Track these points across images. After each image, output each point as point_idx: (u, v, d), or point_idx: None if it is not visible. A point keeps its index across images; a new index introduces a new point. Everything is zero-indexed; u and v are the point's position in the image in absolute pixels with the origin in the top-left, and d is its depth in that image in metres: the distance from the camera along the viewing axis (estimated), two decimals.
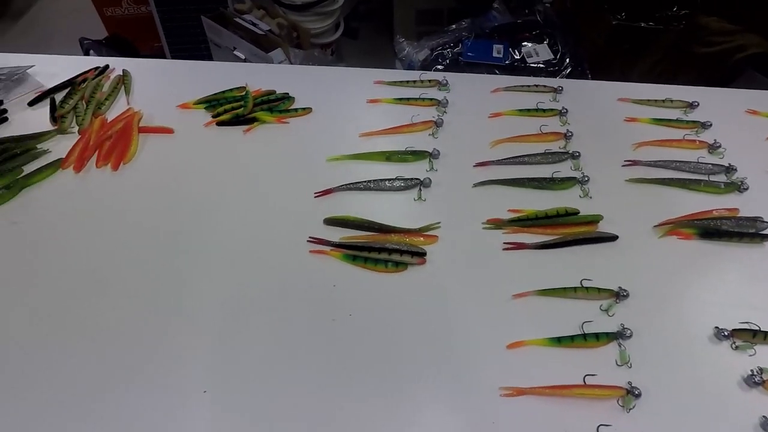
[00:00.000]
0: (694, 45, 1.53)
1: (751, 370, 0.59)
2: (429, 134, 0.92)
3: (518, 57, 1.72)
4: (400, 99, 0.99)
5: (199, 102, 0.98)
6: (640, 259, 0.72)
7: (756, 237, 0.74)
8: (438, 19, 2.22)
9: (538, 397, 0.58)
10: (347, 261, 0.71)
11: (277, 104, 0.98)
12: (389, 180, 0.82)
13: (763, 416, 0.56)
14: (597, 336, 0.62)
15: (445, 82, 1.02)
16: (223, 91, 1.01)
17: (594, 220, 0.76)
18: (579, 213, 0.77)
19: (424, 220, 0.76)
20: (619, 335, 0.62)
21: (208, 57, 1.91)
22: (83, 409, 0.57)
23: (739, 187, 0.81)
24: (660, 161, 0.86)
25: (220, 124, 0.94)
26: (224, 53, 1.74)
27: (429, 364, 0.61)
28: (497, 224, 0.76)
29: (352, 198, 0.81)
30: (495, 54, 1.70)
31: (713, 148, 0.88)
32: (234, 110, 0.95)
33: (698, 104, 0.97)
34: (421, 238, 0.74)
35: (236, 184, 0.83)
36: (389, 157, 0.86)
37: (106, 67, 1.08)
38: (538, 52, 1.71)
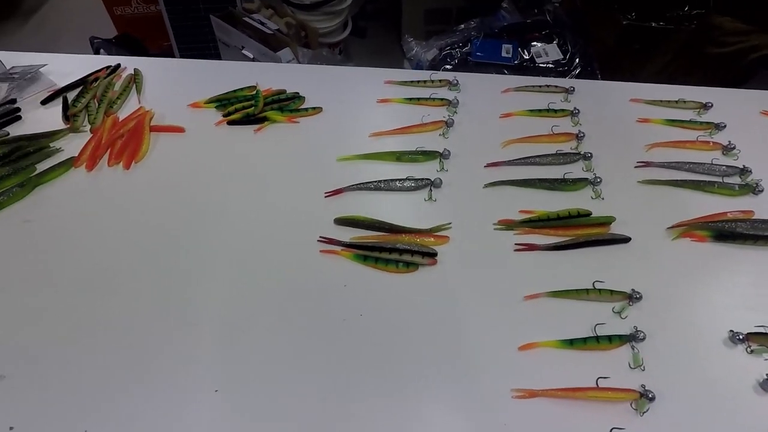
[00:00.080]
0: (707, 45, 1.52)
1: (767, 375, 0.58)
2: (439, 134, 0.92)
3: (527, 57, 1.71)
4: (411, 99, 0.99)
5: (210, 101, 0.99)
6: (653, 262, 0.72)
7: None
8: (446, 19, 2.21)
9: (551, 399, 0.57)
10: (358, 261, 0.71)
11: (287, 104, 0.98)
12: (400, 180, 0.82)
13: None
14: (610, 338, 0.62)
15: (455, 82, 1.01)
16: (234, 91, 1.01)
17: (606, 221, 0.76)
18: (591, 214, 0.76)
19: (434, 220, 0.76)
20: (632, 338, 0.62)
21: (216, 56, 1.91)
22: (92, 406, 0.57)
23: (753, 189, 0.81)
24: (673, 163, 0.85)
25: (230, 123, 0.94)
26: (233, 52, 1.74)
27: (440, 365, 0.60)
28: (509, 225, 0.76)
29: (362, 198, 0.81)
30: (504, 54, 1.70)
31: (728, 149, 0.87)
32: (245, 109, 0.96)
33: (712, 105, 0.96)
34: (432, 239, 0.74)
35: (247, 183, 0.83)
36: (400, 157, 0.86)
37: (118, 66, 1.08)
38: (548, 52, 1.70)
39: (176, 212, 0.79)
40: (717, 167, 0.84)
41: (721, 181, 0.83)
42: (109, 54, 1.88)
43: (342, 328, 0.64)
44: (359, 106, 0.99)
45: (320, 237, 0.74)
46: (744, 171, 0.83)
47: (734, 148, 0.87)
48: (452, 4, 2.21)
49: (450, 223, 0.76)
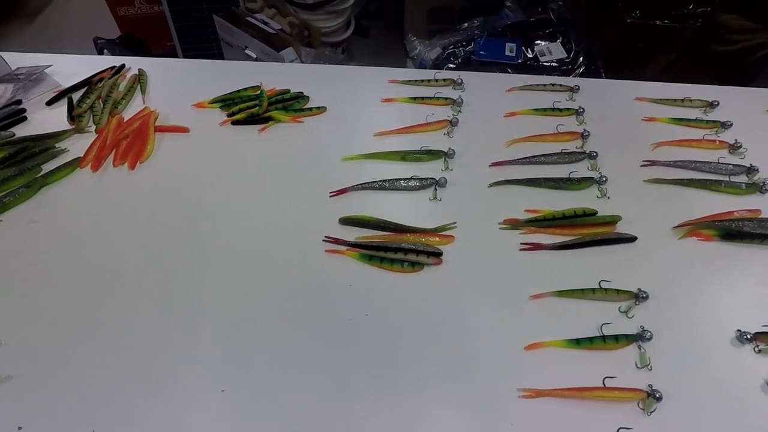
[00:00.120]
0: (712, 43, 1.51)
1: None
2: (444, 133, 0.92)
3: (531, 56, 1.70)
4: (415, 98, 0.99)
5: (214, 101, 0.99)
6: (659, 261, 0.71)
7: None
8: (449, 18, 2.21)
9: (557, 399, 0.57)
10: (363, 261, 0.71)
11: (291, 103, 0.98)
12: (404, 180, 0.81)
13: None
14: (616, 338, 0.61)
15: (459, 81, 1.01)
16: (238, 90, 1.01)
17: (612, 220, 0.75)
18: (597, 213, 0.76)
19: (439, 220, 0.76)
20: (638, 337, 0.61)
21: (219, 56, 1.92)
22: (99, 406, 0.57)
23: (760, 188, 0.80)
24: (679, 161, 0.85)
25: (235, 123, 0.94)
26: (235, 52, 1.75)
27: (446, 365, 0.60)
28: (514, 224, 0.76)
29: (367, 198, 0.81)
30: (507, 53, 1.69)
31: (734, 148, 0.87)
32: (249, 109, 0.96)
33: (718, 103, 0.95)
34: (437, 238, 0.74)
35: (251, 183, 0.83)
36: (404, 156, 0.86)
37: (122, 66, 1.08)
38: (552, 51, 1.70)
39: (181, 212, 0.79)
40: (723, 166, 0.84)
41: (727, 180, 0.82)
42: (112, 54, 1.89)
43: (347, 328, 0.64)
44: (363, 106, 0.98)
45: (325, 237, 0.74)
46: (751, 170, 0.82)
47: (741, 146, 0.87)
48: (455, 3, 2.20)
49: (455, 223, 0.76)
